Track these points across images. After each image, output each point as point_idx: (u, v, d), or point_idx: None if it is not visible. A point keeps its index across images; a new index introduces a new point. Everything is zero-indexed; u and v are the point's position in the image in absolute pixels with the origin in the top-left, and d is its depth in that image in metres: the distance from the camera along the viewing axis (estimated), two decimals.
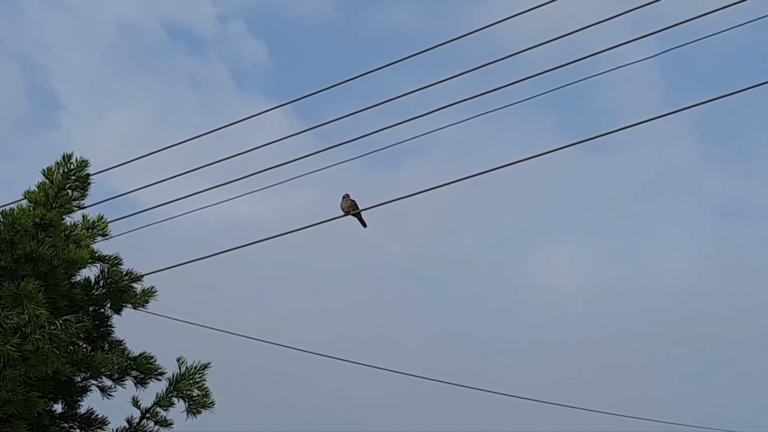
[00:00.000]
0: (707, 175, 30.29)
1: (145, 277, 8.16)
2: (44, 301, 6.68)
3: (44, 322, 6.38)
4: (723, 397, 22.45)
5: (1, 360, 6.38)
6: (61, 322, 6.41)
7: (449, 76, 8.89)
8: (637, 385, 22.51)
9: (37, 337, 6.37)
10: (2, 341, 6.36)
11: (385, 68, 8.90)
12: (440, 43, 8.81)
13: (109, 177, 10.08)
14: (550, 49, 8.61)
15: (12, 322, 6.39)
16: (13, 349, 6.33)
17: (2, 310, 6.52)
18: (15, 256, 7.11)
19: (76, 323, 6.54)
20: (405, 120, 8.72)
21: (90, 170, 7.94)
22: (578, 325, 25.04)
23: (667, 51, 8.38)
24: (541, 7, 8.36)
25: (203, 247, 10.31)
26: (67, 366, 7.00)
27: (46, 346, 6.35)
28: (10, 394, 6.38)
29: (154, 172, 10.29)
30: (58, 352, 6.43)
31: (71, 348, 6.77)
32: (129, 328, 7.95)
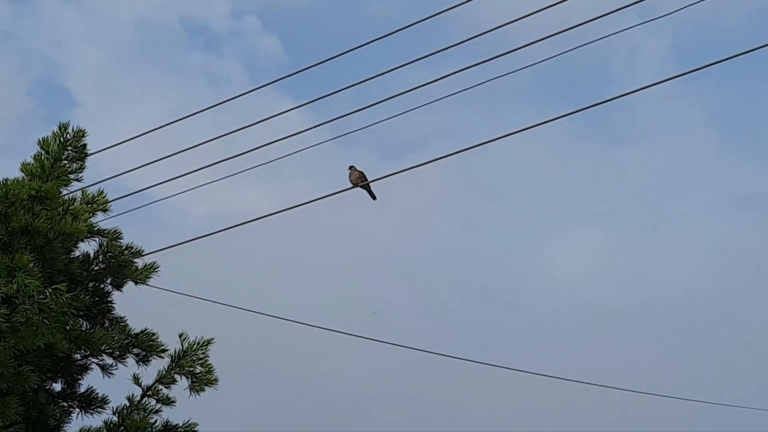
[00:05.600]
0: (724, 166, 29.87)
1: (148, 255, 7.92)
2: (39, 273, 6.41)
3: (33, 291, 6.10)
4: (725, 374, 22.32)
5: None
6: (50, 291, 6.13)
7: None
8: (646, 366, 22.44)
9: (26, 307, 6.10)
10: None
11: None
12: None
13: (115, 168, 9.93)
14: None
15: (0, 292, 6.12)
16: (2, 320, 6.06)
17: None
18: (9, 229, 6.86)
19: (67, 292, 6.26)
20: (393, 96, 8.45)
21: (91, 149, 7.75)
22: (591, 316, 24.76)
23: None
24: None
25: (212, 238, 10.17)
26: (63, 341, 6.75)
27: (36, 317, 6.08)
28: (0, 367, 6.13)
29: (161, 164, 10.20)
30: (48, 323, 6.15)
31: (65, 320, 6.48)
32: (131, 304, 7.69)
